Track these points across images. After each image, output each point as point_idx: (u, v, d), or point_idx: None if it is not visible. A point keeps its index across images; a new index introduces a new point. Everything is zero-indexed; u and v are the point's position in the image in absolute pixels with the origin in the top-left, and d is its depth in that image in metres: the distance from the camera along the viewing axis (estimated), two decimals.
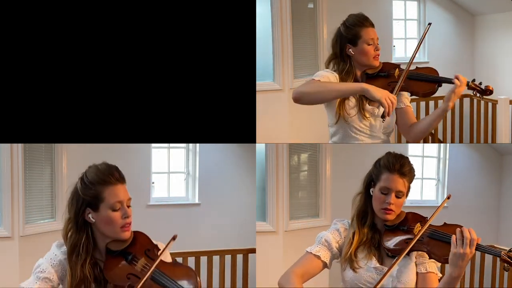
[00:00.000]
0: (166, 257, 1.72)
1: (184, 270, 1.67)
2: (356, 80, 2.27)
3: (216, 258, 3.59)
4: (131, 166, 4.23)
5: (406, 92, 2.31)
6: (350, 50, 2.27)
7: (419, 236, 1.80)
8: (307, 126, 3.85)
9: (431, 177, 4.82)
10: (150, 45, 2.43)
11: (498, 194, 4.91)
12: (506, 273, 3.81)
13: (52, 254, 1.70)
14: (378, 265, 1.86)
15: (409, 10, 5.06)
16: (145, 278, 1.60)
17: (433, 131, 4.36)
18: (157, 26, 2.43)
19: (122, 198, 1.66)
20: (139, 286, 1.58)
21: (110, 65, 2.42)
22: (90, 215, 1.66)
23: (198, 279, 1.66)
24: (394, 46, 4.83)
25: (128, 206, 1.68)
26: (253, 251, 3.58)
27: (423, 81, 2.26)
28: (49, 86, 2.39)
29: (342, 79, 2.26)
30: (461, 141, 4.44)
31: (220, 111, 2.46)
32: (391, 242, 1.84)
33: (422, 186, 4.81)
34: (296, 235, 3.85)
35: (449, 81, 2.24)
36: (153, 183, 4.44)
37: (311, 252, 1.96)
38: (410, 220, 1.89)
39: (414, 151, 4.72)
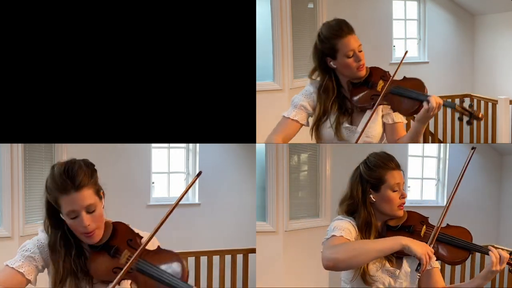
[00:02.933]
0: (152, 244, 1.69)
1: (169, 256, 1.64)
2: (339, 92, 2.11)
3: (216, 258, 3.59)
4: (131, 166, 4.23)
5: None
6: (331, 63, 2.06)
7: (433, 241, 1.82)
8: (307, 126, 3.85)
9: (431, 177, 4.82)
10: (150, 45, 2.43)
11: (498, 194, 4.91)
12: (506, 273, 3.81)
13: (39, 237, 1.70)
14: (390, 267, 1.86)
15: (409, 10, 5.06)
16: (123, 271, 1.57)
17: (433, 131, 4.37)
18: (157, 26, 2.43)
19: (77, 207, 1.58)
20: (119, 278, 1.57)
21: (110, 65, 2.42)
22: (61, 215, 1.62)
23: (184, 262, 1.64)
24: (394, 46, 4.84)
25: (90, 212, 1.60)
26: (253, 251, 3.58)
27: (405, 98, 2.01)
28: (49, 86, 2.39)
29: (324, 91, 2.10)
30: (461, 141, 4.44)
31: (220, 111, 2.46)
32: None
33: (422, 186, 4.81)
34: (296, 235, 3.85)
35: (425, 99, 1.97)
36: (153, 183, 4.44)
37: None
38: (412, 219, 1.90)
39: (414, 151, 4.72)
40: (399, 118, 2.12)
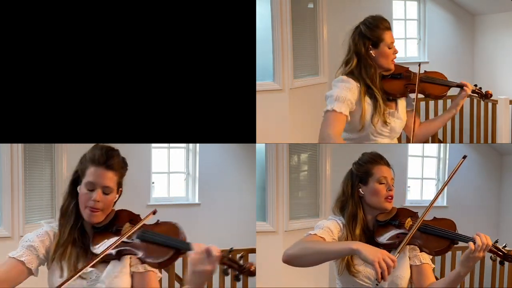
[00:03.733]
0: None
1: (168, 225, 1.71)
2: (373, 82, 2.25)
3: None
4: (131, 166, 4.22)
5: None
6: (371, 51, 2.29)
7: (414, 231, 1.83)
8: (307, 126, 3.85)
9: (431, 177, 4.82)
10: (150, 45, 2.43)
11: (498, 194, 4.91)
12: (506, 273, 3.81)
13: (40, 228, 1.78)
14: None
15: (409, 10, 5.06)
16: (133, 231, 1.65)
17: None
18: (157, 26, 2.43)
19: (98, 181, 1.71)
20: (119, 242, 1.64)
21: (110, 65, 2.42)
22: (78, 187, 1.74)
23: (183, 231, 1.69)
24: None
25: (105, 193, 1.71)
26: (253, 251, 3.58)
27: (438, 85, 2.37)
28: (49, 86, 2.39)
29: (361, 77, 2.24)
30: (461, 141, 4.44)
31: (220, 111, 2.46)
32: (384, 237, 1.88)
33: (422, 186, 4.81)
34: (296, 235, 3.85)
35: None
36: (153, 183, 4.44)
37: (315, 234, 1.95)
38: (400, 215, 1.93)
39: (414, 151, 4.72)
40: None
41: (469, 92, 2.37)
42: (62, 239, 1.72)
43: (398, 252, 1.78)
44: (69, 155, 3.77)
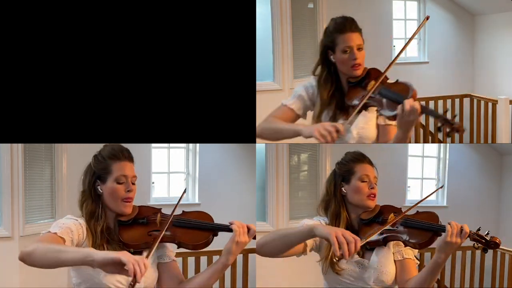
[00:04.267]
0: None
1: (197, 212, 1.86)
2: (338, 87, 2.12)
3: (216, 258, 3.58)
4: None
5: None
6: (331, 57, 2.10)
7: (394, 221, 1.86)
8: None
9: (431, 177, 4.82)
10: (150, 45, 2.43)
11: (498, 194, 4.92)
12: (506, 273, 3.81)
13: (72, 219, 1.75)
14: (359, 258, 1.89)
15: (409, 10, 5.06)
16: (170, 220, 1.77)
17: (433, 131, 4.37)
18: (157, 26, 2.43)
19: (129, 172, 1.81)
20: (164, 231, 1.75)
21: (110, 65, 2.42)
22: (99, 187, 1.79)
23: (211, 217, 1.86)
24: (394, 46, 4.84)
25: (133, 184, 1.83)
26: (253, 251, 3.58)
27: (386, 99, 1.99)
28: (49, 86, 2.39)
29: (324, 81, 2.12)
30: (461, 141, 4.44)
31: (220, 111, 2.46)
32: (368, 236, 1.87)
33: (422, 186, 4.82)
34: None
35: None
36: (153, 183, 4.44)
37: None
38: (384, 212, 1.93)
39: (414, 151, 4.72)
40: (392, 122, 2.11)
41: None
42: (96, 239, 1.74)
43: (366, 239, 1.80)
44: (69, 155, 3.77)
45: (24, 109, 2.39)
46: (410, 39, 2.13)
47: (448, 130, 1.88)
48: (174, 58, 2.44)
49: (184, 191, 1.92)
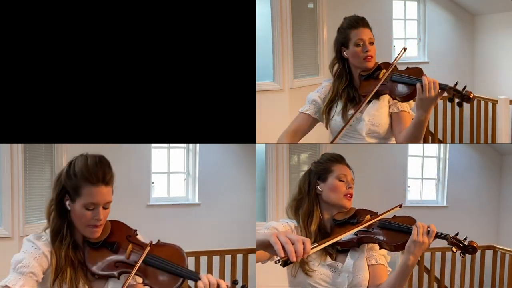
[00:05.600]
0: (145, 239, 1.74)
1: (172, 249, 1.71)
2: (351, 82, 2.25)
3: (216, 258, 3.59)
4: (131, 166, 4.23)
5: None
6: (344, 52, 2.23)
7: (370, 222, 1.83)
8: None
9: (431, 177, 4.82)
10: (150, 45, 2.43)
11: (498, 194, 4.91)
12: (506, 273, 3.81)
13: (33, 248, 1.65)
14: (331, 261, 1.86)
15: (409, 10, 5.06)
16: (139, 261, 1.64)
17: (432, 131, 4.37)
18: (157, 26, 2.43)
19: (100, 199, 1.62)
20: (134, 270, 1.62)
21: (110, 65, 2.42)
22: (67, 202, 1.64)
23: (186, 255, 1.70)
24: (394, 46, 4.83)
25: (105, 208, 1.65)
26: (253, 251, 3.58)
27: (400, 83, 2.11)
28: (49, 86, 2.39)
29: (338, 77, 2.26)
30: (461, 141, 4.44)
31: (220, 111, 2.46)
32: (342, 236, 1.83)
33: (422, 186, 4.81)
34: None
35: (419, 81, 2.03)
36: (153, 183, 4.44)
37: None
38: (359, 214, 1.91)
39: (414, 151, 4.72)
40: (405, 107, 2.21)
41: (424, 84, 1.97)
42: (60, 263, 1.63)
43: (339, 237, 1.74)
44: (69, 155, 3.77)
45: (24, 109, 2.39)
46: (391, 66, 2.18)
47: (458, 100, 1.98)
48: (174, 58, 2.44)
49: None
